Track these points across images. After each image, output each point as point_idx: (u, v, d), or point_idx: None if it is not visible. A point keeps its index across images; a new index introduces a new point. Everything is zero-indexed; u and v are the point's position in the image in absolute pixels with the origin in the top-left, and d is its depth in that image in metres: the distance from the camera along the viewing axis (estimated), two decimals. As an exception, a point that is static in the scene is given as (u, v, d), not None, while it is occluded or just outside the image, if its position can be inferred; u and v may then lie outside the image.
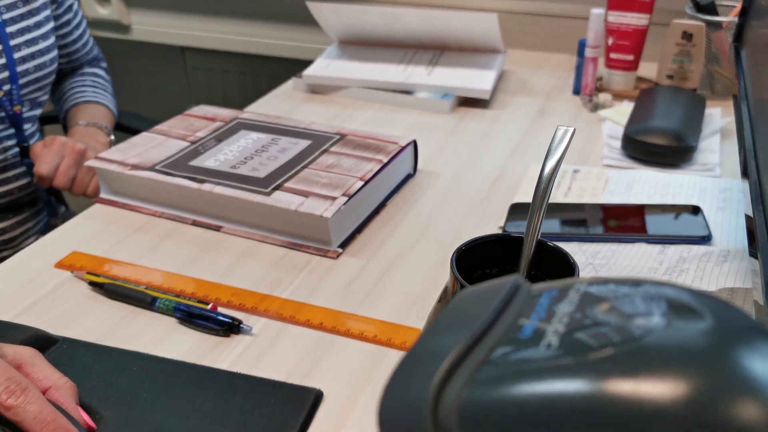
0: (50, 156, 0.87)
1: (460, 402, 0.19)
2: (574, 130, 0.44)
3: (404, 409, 0.20)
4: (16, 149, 0.97)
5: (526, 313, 0.21)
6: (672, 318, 0.18)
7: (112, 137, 1.06)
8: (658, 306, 0.19)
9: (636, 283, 0.20)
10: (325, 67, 1.08)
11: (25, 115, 0.98)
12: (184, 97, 1.69)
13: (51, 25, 1.00)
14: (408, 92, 1.03)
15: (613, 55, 1.06)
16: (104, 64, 1.22)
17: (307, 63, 1.11)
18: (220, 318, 0.56)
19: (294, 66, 1.42)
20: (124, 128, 1.20)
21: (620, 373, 0.17)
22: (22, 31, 0.94)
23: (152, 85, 1.72)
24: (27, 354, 0.46)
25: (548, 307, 0.20)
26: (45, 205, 1.05)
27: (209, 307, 0.58)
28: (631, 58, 1.05)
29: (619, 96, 1.06)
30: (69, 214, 1.09)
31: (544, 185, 0.43)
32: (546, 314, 0.20)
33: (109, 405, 0.49)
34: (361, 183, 0.70)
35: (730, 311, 0.19)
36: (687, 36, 0.99)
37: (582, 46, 1.04)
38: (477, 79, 1.03)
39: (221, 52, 1.58)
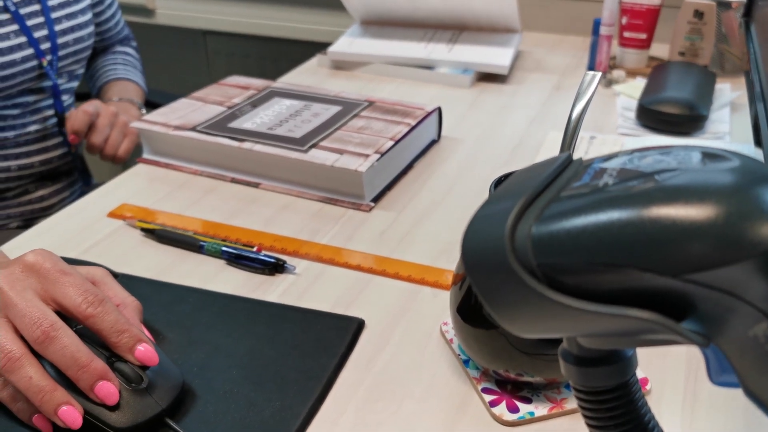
0: (85, 113, 0.93)
1: (532, 233, 0.23)
2: (602, 74, 0.48)
3: (485, 243, 0.24)
4: (56, 119, 1.01)
5: (583, 169, 0.25)
6: (706, 161, 0.23)
7: (144, 111, 1.11)
8: (695, 155, 0.23)
9: (676, 146, 0.25)
10: (349, 44, 1.13)
11: (63, 86, 1.03)
12: (205, 82, 1.73)
13: (88, 1, 1.05)
14: (429, 68, 1.07)
15: (626, 34, 1.10)
16: (134, 44, 1.27)
17: (326, 46, 1.15)
18: (266, 258, 0.61)
19: (313, 49, 1.46)
20: (152, 105, 1.25)
21: (660, 200, 0.22)
22: (62, 5, 0.99)
23: (174, 71, 1.77)
24: (99, 273, 0.50)
25: (601, 164, 0.25)
26: (80, 175, 1.10)
27: (254, 249, 0.62)
28: (644, 36, 1.09)
29: (632, 73, 1.10)
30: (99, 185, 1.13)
31: (573, 125, 0.48)
32: (600, 169, 0.24)
33: (170, 328, 0.53)
34: (391, 142, 0.74)
35: (754, 159, 0.23)
36: (698, 14, 1.03)
37: (597, 24, 1.08)
38: (495, 56, 1.07)
39: (242, 36, 1.62)
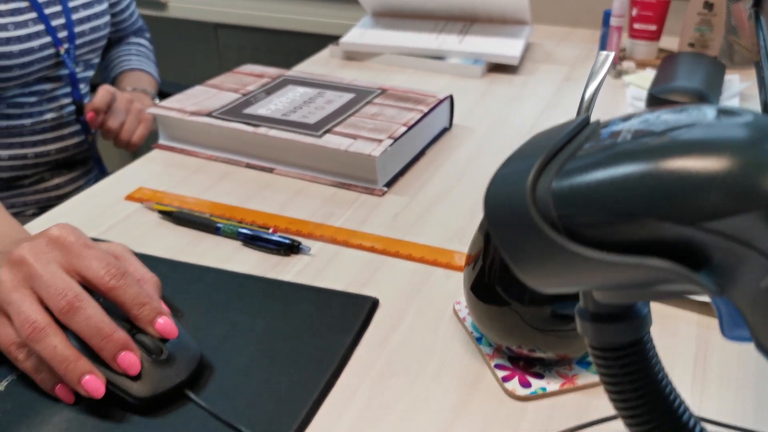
0: (107, 91, 0.95)
1: (552, 188, 0.24)
2: (614, 54, 0.49)
3: (507, 199, 0.25)
4: (72, 107, 1.03)
5: (600, 129, 0.26)
6: (720, 117, 0.23)
7: (157, 101, 1.12)
8: (709, 111, 0.24)
9: (690, 105, 0.25)
10: (360, 35, 1.14)
11: (80, 75, 1.04)
12: (216, 75, 1.74)
13: (104, -9, 1.06)
14: (440, 58, 1.08)
15: (636, 26, 1.11)
16: (148, 35, 1.28)
17: (336, 39, 1.16)
18: (281, 239, 0.62)
19: (323, 42, 1.47)
20: (165, 96, 1.26)
21: (677, 152, 0.22)
22: (79, -5, 1.00)
23: (185, 64, 1.78)
24: (120, 249, 0.51)
25: (618, 125, 0.25)
26: (95, 164, 1.11)
27: (270, 231, 0.63)
28: (653, 28, 1.10)
29: (641, 64, 1.10)
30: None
31: (586, 105, 0.48)
32: (617, 128, 0.25)
33: (187, 306, 0.54)
34: (404, 128, 0.75)
35: (766, 116, 0.24)
36: (708, 6, 1.04)
37: (607, 16, 1.08)
38: (506, 47, 1.08)
39: (252, 29, 1.64)
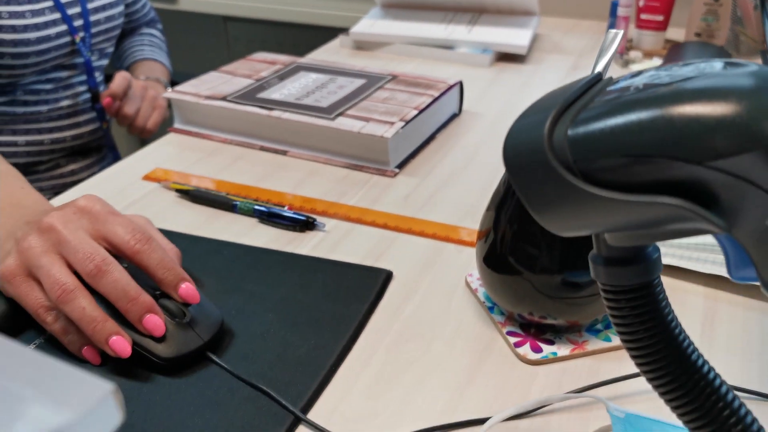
0: (125, 78, 0.97)
1: (568, 134, 0.25)
2: (624, 32, 0.50)
3: (525, 146, 0.26)
4: (88, 95, 1.04)
5: (611, 83, 0.27)
6: (727, 67, 0.25)
7: (170, 89, 1.14)
8: (716, 63, 0.25)
9: (698, 59, 0.27)
10: (370, 25, 1.15)
11: (95, 63, 1.06)
12: (225, 67, 1.76)
13: (118, -19, 1.08)
14: (449, 48, 1.09)
15: (643, 16, 1.12)
16: (160, 26, 1.30)
17: (345, 31, 1.18)
18: (297, 216, 0.63)
19: (332, 34, 1.49)
20: (177, 85, 1.28)
21: (687, 98, 0.24)
22: (94, -16, 1.02)
23: (195, 56, 1.80)
24: (142, 220, 0.52)
25: (628, 79, 0.27)
26: (109, 151, 1.13)
27: (285, 208, 0.65)
28: (660, 18, 1.11)
29: (648, 54, 1.12)
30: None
31: (595, 80, 0.50)
32: (627, 83, 0.27)
33: (206, 277, 0.56)
34: (415, 111, 0.76)
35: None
36: (715, -4, 1.05)
37: (614, 6, 1.10)
38: (514, 36, 1.09)
39: (262, 22, 1.65)
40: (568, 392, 0.45)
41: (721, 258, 0.56)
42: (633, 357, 0.29)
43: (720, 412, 0.28)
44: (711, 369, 0.29)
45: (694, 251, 0.57)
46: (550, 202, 0.26)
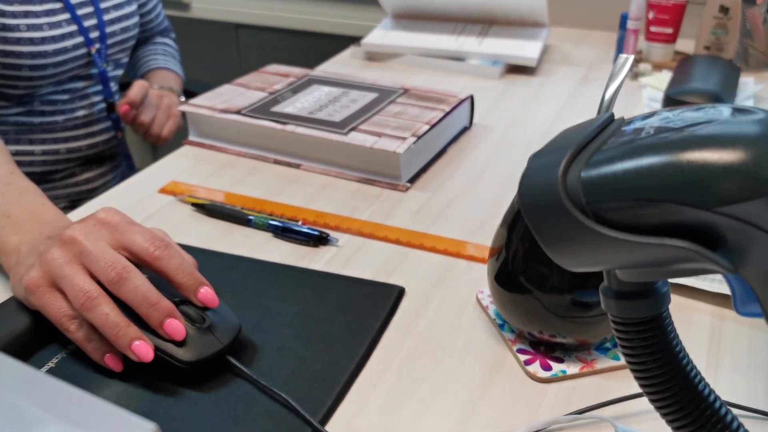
0: (143, 86, 0.99)
1: (582, 177, 0.27)
2: (633, 57, 0.51)
3: (540, 187, 0.27)
4: (103, 105, 1.06)
5: (624, 125, 0.28)
6: (735, 114, 0.26)
7: (183, 98, 1.16)
8: (725, 110, 0.26)
9: (707, 104, 0.28)
10: (382, 36, 1.16)
11: (110, 74, 1.07)
12: (236, 75, 1.78)
13: (133, -7, 1.10)
14: (459, 59, 1.11)
15: (653, 29, 1.13)
16: (173, 35, 1.31)
17: (356, 40, 1.19)
18: (310, 231, 0.65)
19: (343, 43, 1.50)
20: (189, 94, 1.29)
21: (696, 145, 0.25)
22: (110, -4, 1.03)
23: (206, 63, 1.81)
24: (159, 232, 0.54)
25: (640, 121, 0.28)
26: (124, 160, 1.14)
27: (299, 223, 0.66)
28: (670, 31, 1.12)
29: (658, 67, 1.13)
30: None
31: (606, 105, 0.51)
32: (640, 125, 0.28)
33: (222, 292, 0.57)
34: (427, 126, 0.78)
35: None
36: (723, 9, 1.06)
37: (624, 19, 1.11)
38: (524, 48, 1.10)
39: (273, 30, 1.67)
40: (576, 411, 0.46)
41: (728, 277, 0.57)
42: (642, 386, 0.30)
43: (724, 438, 0.29)
44: (717, 398, 0.30)
45: (701, 270, 0.58)
46: (563, 241, 0.27)
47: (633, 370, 0.30)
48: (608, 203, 0.26)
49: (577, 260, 0.28)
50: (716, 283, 0.57)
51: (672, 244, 0.25)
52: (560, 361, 0.51)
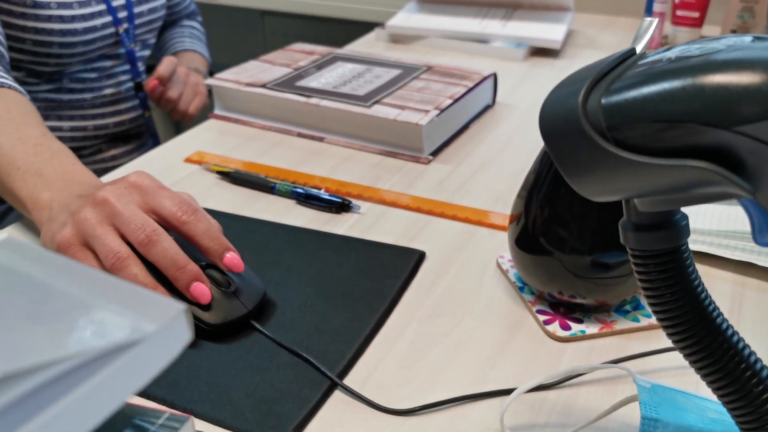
0: (173, 62, 1.00)
1: (602, 102, 0.27)
2: (658, 20, 0.51)
3: (561, 114, 0.28)
4: (130, 84, 1.08)
5: (644, 56, 0.29)
6: (756, 41, 0.26)
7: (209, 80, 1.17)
8: (746, 38, 0.27)
9: (728, 34, 0.28)
10: (406, 19, 1.17)
11: (138, 54, 1.09)
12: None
13: (161, -26, 1.11)
14: (483, 42, 1.11)
15: (679, 12, 1.12)
16: (199, 18, 1.33)
17: (381, 26, 1.20)
18: (333, 198, 0.65)
19: (367, 29, 1.51)
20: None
21: (717, 68, 0.25)
22: (138, -24, 1.05)
23: (232, 50, 1.83)
24: (186, 196, 0.55)
25: (660, 53, 0.28)
26: (150, 138, 1.16)
27: (322, 190, 0.67)
28: (696, 15, 1.11)
29: (683, 51, 1.12)
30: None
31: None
32: (659, 56, 0.28)
33: (245, 253, 0.58)
34: (450, 101, 0.78)
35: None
36: (752, -8, 1.05)
37: (650, 2, 1.10)
38: (548, 31, 1.10)
39: (298, 16, 1.68)
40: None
41: (750, 245, 0.57)
42: (660, 320, 0.31)
43: (743, 372, 0.29)
44: (735, 333, 0.30)
45: (723, 238, 0.58)
46: (584, 168, 0.28)
47: (651, 305, 0.31)
48: (628, 126, 0.26)
49: (597, 188, 0.28)
50: (738, 251, 0.57)
51: (692, 165, 0.25)
52: (579, 321, 0.51)
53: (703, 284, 0.30)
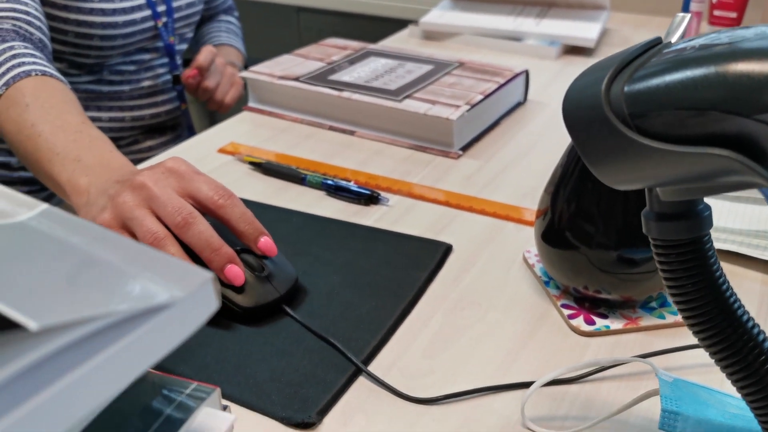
0: (211, 51, 1.02)
1: (625, 90, 0.27)
2: (691, 15, 0.51)
3: (584, 101, 0.28)
4: (168, 77, 1.10)
5: (669, 46, 0.29)
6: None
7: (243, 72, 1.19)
8: (769, 26, 0.27)
9: (755, 24, 0.28)
10: (440, 16, 1.17)
11: (176, 48, 1.11)
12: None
13: (199, -31, 1.13)
14: (516, 40, 1.11)
15: (716, 13, 1.11)
16: (236, 14, 1.35)
17: (415, 23, 1.20)
18: (362, 190, 0.66)
19: (401, 27, 1.52)
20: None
21: (740, 57, 0.25)
22: (177, -28, 1.07)
23: (266, 46, 1.85)
24: (222, 184, 0.56)
25: (685, 42, 0.28)
26: (186, 130, 1.18)
27: (351, 183, 0.68)
28: (734, 15, 1.10)
29: (720, 51, 1.10)
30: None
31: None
32: (684, 45, 0.28)
33: (276, 241, 0.59)
34: (481, 96, 0.78)
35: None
36: (792, -8, 1.03)
37: (687, 1, 1.09)
38: (583, 29, 1.10)
39: (333, 13, 1.69)
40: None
41: (781, 245, 0.56)
42: (681, 311, 0.31)
43: (762, 365, 0.30)
44: (756, 325, 0.30)
45: (754, 238, 0.57)
46: (606, 155, 0.28)
47: (672, 295, 0.31)
48: (651, 114, 0.27)
49: (619, 176, 0.29)
50: (769, 251, 0.56)
51: (714, 153, 0.25)
52: (604, 317, 0.51)
53: (725, 276, 0.30)
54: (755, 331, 0.30)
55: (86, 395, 0.17)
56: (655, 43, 0.30)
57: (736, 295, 0.30)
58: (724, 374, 0.31)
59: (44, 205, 0.23)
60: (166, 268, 0.20)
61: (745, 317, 0.30)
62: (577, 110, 0.28)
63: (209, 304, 0.20)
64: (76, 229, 0.22)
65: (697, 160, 0.26)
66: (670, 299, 0.31)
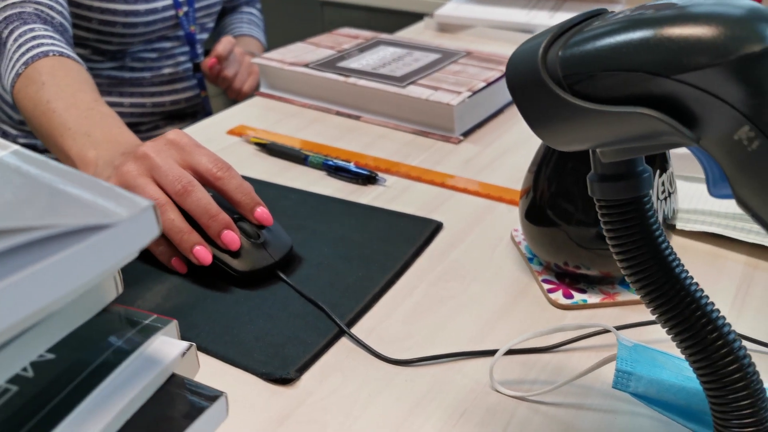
0: (230, 41, 1.06)
1: (559, 54, 0.29)
2: None
3: (523, 65, 0.30)
4: (189, 65, 1.14)
5: (612, 13, 0.30)
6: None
7: (255, 58, 1.22)
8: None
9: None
10: (455, 8, 1.19)
11: (197, 37, 1.15)
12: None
13: (221, -40, 1.16)
14: (530, 32, 1.12)
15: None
16: (258, 5, 1.38)
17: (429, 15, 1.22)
18: (360, 170, 0.68)
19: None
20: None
21: (673, 21, 0.27)
22: (198, -38, 1.10)
23: (291, 42, 1.88)
24: (220, 158, 0.59)
25: (635, 8, 0.30)
26: (204, 117, 1.22)
27: (352, 164, 0.70)
28: (749, 9, 1.09)
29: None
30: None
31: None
32: (628, 11, 0.30)
33: (275, 215, 0.61)
34: (483, 83, 0.80)
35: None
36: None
37: (701, -5, 1.09)
38: (596, 22, 1.10)
39: (357, 7, 1.72)
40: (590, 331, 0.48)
41: (765, 228, 0.57)
42: (623, 268, 0.33)
43: (699, 319, 0.31)
44: (695, 284, 0.32)
45: (739, 221, 0.58)
46: (545, 117, 0.30)
47: (615, 253, 0.32)
48: (582, 76, 0.28)
49: (560, 137, 0.30)
50: (753, 234, 0.57)
51: (638, 112, 0.27)
52: (583, 291, 0.52)
53: (665, 235, 0.32)
54: (692, 288, 0.32)
55: (23, 300, 0.19)
56: (597, 13, 0.32)
57: (675, 254, 0.32)
58: (662, 327, 0.32)
59: (15, 147, 0.25)
60: (114, 195, 0.23)
61: (683, 275, 0.32)
62: (517, 74, 0.30)
63: (151, 229, 0.23)
64: (38, 164, 0.24)
65: (626, 120, 0.28)
66: (615, 257, 0.33)
